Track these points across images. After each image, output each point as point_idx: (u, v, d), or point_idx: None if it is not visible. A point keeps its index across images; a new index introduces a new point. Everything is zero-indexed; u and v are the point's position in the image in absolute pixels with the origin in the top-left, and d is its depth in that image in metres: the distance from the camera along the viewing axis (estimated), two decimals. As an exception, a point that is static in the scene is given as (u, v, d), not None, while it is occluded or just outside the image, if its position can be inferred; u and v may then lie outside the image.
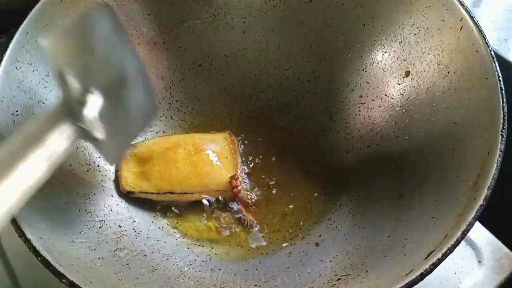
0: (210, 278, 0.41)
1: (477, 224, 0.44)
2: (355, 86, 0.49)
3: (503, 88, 0.37)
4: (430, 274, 0.31)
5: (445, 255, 0.31)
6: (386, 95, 0.47)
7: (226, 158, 0.48)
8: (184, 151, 0.47)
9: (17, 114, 0.39)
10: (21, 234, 0.32)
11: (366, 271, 0.37)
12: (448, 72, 0.41)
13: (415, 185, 0.41)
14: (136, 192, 0.46)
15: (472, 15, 0.41)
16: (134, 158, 0.48)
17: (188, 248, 0.44)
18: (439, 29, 0.43)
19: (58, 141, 0.30)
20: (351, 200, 0.46)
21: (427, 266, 0.31)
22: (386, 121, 0.47)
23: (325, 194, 0.48)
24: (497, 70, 0.38)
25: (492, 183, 0.33)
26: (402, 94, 0.46)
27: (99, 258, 0.37)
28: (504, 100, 0.36)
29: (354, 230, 0.43)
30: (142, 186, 0.46)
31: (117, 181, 0.47)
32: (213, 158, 0.47)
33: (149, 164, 0.47)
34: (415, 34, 0.45)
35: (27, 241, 0.32)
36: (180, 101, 0.52)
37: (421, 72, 0.44)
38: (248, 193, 0.48)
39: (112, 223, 0.42)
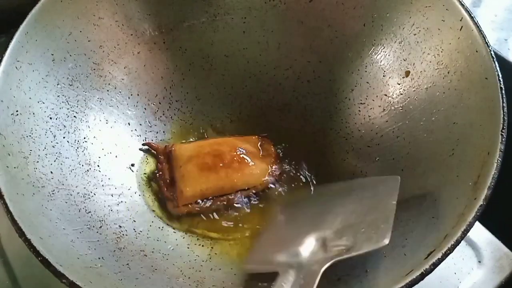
0: (210, 278, 0.41)
1: (477, 224, 0.44)
2: (355, 86, 0.49)
3: (503, 88, 0.37)
4: (430, 274, 0.31)
5: (445, 255, 0.31)
6: (386, 95, 0.47)
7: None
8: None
9: (17, 114, 0.39)
10: (21, 234, 0.32)
11: (366, 271, 0.37)
12: (448, 72, 0.41)
13: (415, 185, 0.41)
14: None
15: (472, 15, 0.41)
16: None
17: (188, 248, 0.44)
18: (439, 29, 0.43)
19: None
20: (351, 200, 0.46)
21: (427, 266, 0.31)
22: (386, 121, 0.47)
23: (325, 194, 0.48)
24: (497, 70, 0.38)
25: (492, 183, 0.33)
26: (402, 94, 0.46)
27: (99, 258, 0.37)
28: (504, 100, 0.36)
29: (354, 230, 0.43)
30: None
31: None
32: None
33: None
34: (415, 34, 0.45)
35: (27, 241, 0.32)
36: (180, 101, 0.52)
37: (421, 72, 0.44)
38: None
39: (112, 223, 0.42)
